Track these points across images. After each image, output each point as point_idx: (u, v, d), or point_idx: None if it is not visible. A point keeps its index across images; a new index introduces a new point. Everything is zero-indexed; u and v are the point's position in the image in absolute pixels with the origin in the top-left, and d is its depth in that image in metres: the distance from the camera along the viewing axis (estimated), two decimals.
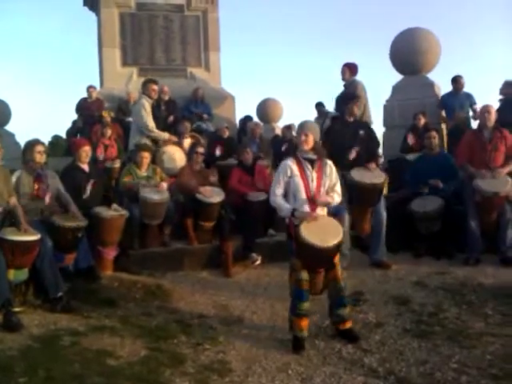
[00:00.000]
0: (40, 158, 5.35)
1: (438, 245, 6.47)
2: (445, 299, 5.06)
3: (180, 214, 6.42)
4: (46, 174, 5.44)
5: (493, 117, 6.35)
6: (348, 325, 4.34)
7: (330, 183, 4.33)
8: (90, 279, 5.32)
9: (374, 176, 5.64)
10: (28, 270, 4.75)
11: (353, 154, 5.92)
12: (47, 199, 5.33)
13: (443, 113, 9.41)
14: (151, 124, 7.18)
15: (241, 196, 6.59)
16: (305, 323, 4.19)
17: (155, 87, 7.38)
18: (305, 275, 4.12)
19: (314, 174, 4.26)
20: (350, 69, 8.08)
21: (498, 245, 6.17)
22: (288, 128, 9.70)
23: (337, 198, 4.37)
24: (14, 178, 5.20)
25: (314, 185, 4.24)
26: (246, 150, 6.97)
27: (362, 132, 6.08)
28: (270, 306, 5.11)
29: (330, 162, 4.38)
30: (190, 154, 7.04)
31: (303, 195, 4.22)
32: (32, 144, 5.42)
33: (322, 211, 4.30)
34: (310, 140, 4.27)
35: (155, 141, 7.33)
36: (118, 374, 3.66)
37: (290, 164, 4.28)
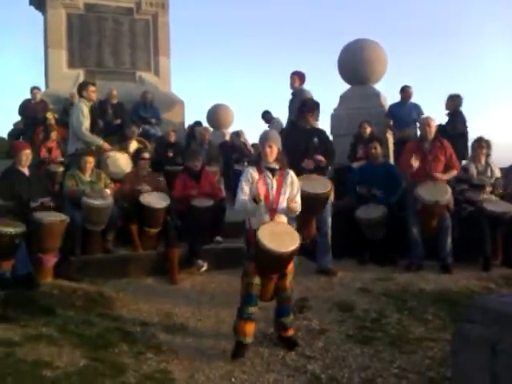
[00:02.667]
0: None
1: (381, 251, 6.61)
2: (387, 305, 5.16)
3: (124, 220, 6.30)
4: None
5: (433, 129, 6.56)
6: (290, 332, 4.38)
7: (292, 192, 4.34)
8: (28, 287, 5.10)
9: (319, 185, 5.60)
10: None
11: (310, 165, 5.90)
12: None
13: (391, 122, 9.64)
14: (85, 127, 6.90)
15: (186, 202, 6.51)
16: (250, 328, 4.18)
17: (94, 89, 7.17)
18: (257, 280, 4.13)
19: (274, 182, 4.29)
20: (299, 77, 8.18)
21: (438, 252, 6.35)
22: (237, 135, 9.72)
23: (297, 207, 4.36)
24: None
25: (273, 192, 4.26)
26: (197, 158, 6.87)
27: (316, 139, 6.09)
28: (215, 313, 5.06)
29: (291, 173, 4.42)
30: (136, 159, 6.91)
31: (263, 203, 4.20)
32: None
33: (279, 218, 4.31)
34: (274, 151, 4.29)
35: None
36: None
37: (251, 172, 4.29)
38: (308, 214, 5.75)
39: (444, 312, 4.93)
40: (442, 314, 4.88)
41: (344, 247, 6.61)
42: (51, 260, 5.44)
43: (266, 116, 10.41)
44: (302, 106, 6.35)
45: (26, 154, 5.78)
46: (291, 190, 4.35)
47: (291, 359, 4.10)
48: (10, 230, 4.89)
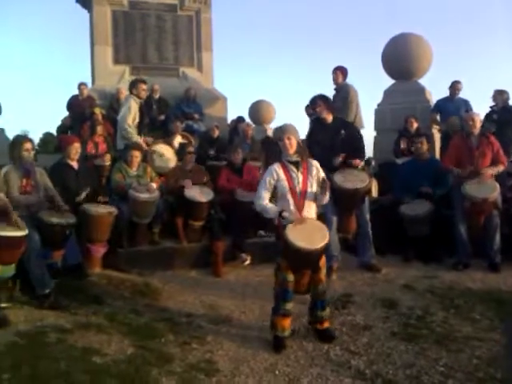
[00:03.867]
0: (27, 155, 5.30)
1: (426, 249, 6.51)
2: (433, 303, 5.09)
3: (169, 213, 6.40)
4: (34, 170, 5.40)
5: (477, 124, 6.39)
6: (326, 325, 4.38)
7: (317, 184, 4.31)
8: (78, 276, 5.27)
9: (357, 180, 5.55)
10: (15, 266, 4.69)
11: (337, 161, 5.86)
12: (35, 195, 5.28)
13: (438, 117, 9.47)
14: (128, 124, 7.05)
15: (230, 196, 6.58)
16: (287, 323, 4.22)
17: (144, 87, 7.33)
18: (290, 276, 4.15)
19: (300, 176, 4.27)
20: (342, 72, 8.10)
21: (485, 250, 6.20)
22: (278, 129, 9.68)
23: (327, 196, 4.32)
24: (2, 174, 5.16)
25: (300, 187, 4.24)
26: (236, 151, 6.95)
27: (343, 132, 6.00)
28: (259, 306, 5.09)
29: (315, 163, 4.38)
30: (181, 153, 7.01)
31: (290, 198, 4.22)
32: (20, 141, 5.37)
33: (308, 213, 4.30)
34: (294, 143, 4.26)
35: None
36: (104, 371, 3.63)
37: (276, 168, 4.28)
38: (347, 208, 5.76)
39: (492, 312, 4.82)
40: (489, 314, 4.77)
41: (387, 244, 6.55)
42: (100, 251, 5.58)
43: (309, 110, 10.32)
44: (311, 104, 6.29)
45: (75, 148, 5.94)
46: (317, 180, 4.32)
47: (335, 354, 4.09)
48: (61, 221, 5.04)
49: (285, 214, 4.15)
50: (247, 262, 6.28)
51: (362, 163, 6.15)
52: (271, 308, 4.33)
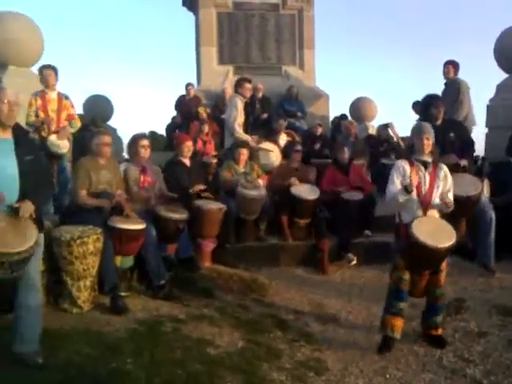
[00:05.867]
0: (144, 152, 5.59)
1: None
2: None
3: (275, 210, 6.47)
4: (150, 167, 5.69)
5: None
6: (439, 331, 4.27)
7: (444, 188, 4.21)
8: (190, 269, 5.49)
9: (469, 186, 5.28)
10: (133, 258, 4.97)
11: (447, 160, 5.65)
12: (151, 191, 5.56)
13: None
14: (237, 124, 7.27)
15: (336, 194, 6.53)
16: (399, 323, 4.14)
17: (248, 86, 7.50)
18: (407, 275, 4.09)
19: (427, 176, 4.19)
20: (453, 66, 7.79)
21: None
22: (385, 127, 9.48)
23: (451, 203, 4.21)
24: (121, 171, 5.47)
25: (426, 186, 4.16)
26: (342, 149, 6.89)
27: (452, 134, 5.78)
28: (365, 307, 5.04)
29: (445, 167, 4.29)
30: (288, 151, 7.07)
31: (415, 197, 4.13)
32: (137, 138, 5.67)
33: (433, 213, 4.21)
34: (430, 144, 4.20)
35: None
36: (218, 363, 3.76)
37: (403, 165, 4.22)
38: (458, 216, 5.50)
39: None
40: None
41: (503, 247, 6.18)
42: (209, 245, 5.77)
43: (417, 107, 10.02)
44: (426, 105, 6.03)
45: (188, 146, 6.17)
46: (444, 184, 4.21)
47: (448, 361, 3.96)
48: (175, 215, 5.27)
49: (410, 187, 4.02)
50: (353, 262, 6.22)
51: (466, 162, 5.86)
52: (383, 307, 4.26)
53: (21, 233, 3.27)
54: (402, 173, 4.18)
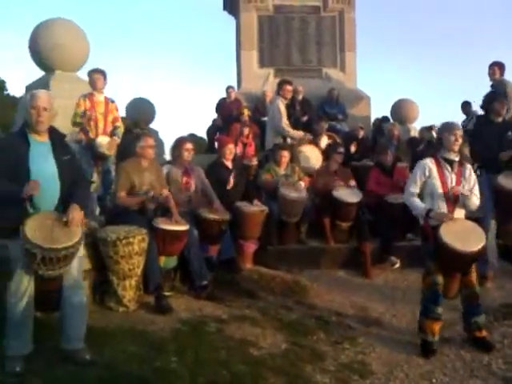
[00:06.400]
0: (188, 155, 5.66)
1: None
2: None
3: (317, 213, 6.44)
4: (193, 169, 5.75)
5: None
6: (484, 333, 4.19)
7: (468, 187, 4.18)
8: (231, 270, 5.52)
9: None
10: (176, 258, 5.04)
11: (505, 157, 5.55)
12: (194, 193, 5.63)
13: None
14: (286, 124, 7.32)
15: (379, 197, 6.45)
16: (437, 327, 4.11)
17: (289, 87, 7.52)
18: (440, 278, 4.06)
19: (453, 176, 4.15)
20: (499, 68, 7.61)
21: None
22: (429, 129, 9.31)
23: (476, 200, 4.20)
24: (164, 172, 5.55)
25: (452, 186, 4.12)
26: (386, 152, 6.81)
27: (510, 133, 5.70)
28: (409, 310, 4.95)
29: (469, 166, 4.28)
30: (329, 153, 7.03)
31: (441, 196, 4.11)
32: (181, 142, 5.76)
33: (458, 215, 4.16)
34: (460, 141, 4.16)
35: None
36: (261, 364, 3.77)
37: (429, 164, 4.19)
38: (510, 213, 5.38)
39: None
40: None
41: None
42: (251, 247, 5.79)
43: (466, 107, 9.83)
44: (490, 98, 5.95)
45: (230, 149, 6.22)
46: (469, 184, 4.18)
47: (498, 367, 3.86)
48: (218, 217, 5.31)
49: (432, 213, 4.05)
50: (396, 265, 6.14)
51: None
52: (419, 311, 4.22)
53: (66, 230, 3.40)
54: (426, 173, 4.16)
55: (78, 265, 3.64)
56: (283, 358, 3.90)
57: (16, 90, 30.10)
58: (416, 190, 4.21)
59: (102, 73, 6.38)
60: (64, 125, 7.30)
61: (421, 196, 4.26)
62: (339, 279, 5.96)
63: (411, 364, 3.93)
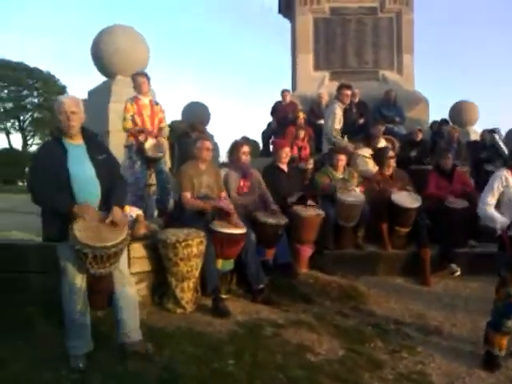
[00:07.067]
0: (245, 158, 5.71)
1: None
2: None
3: (374, 218, 6.33)
4: (250, 172, 5.79)
5: None
6: None
7: None
8: (287, 274, 5.51)
9: None
10: (233, 261, 5.08)
11: None
12: (251, 196, 5.66)
13: None
14: (335, 130, 7.22)
15: (438, 202, 6.28)
16: (505, 341, 3.97)
17: (348, 92, 7.42)
18: None
19: None
20: None
21: None
22: (491, 132, 9.01)
23: None
24: (222, 175, 5.61)
25: None
26: (446, 155, 6.63)
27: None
28: (470, 320, 4.82)
29: None
30: (380, 158, 6.89)
31: None
32: (238, 144, 5.81)
33: None
34: None
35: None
36: (318, 370, 3.74)
37: (505, 174, 4.08)
38: None
39: None
40: None
41: None
42: (307, 251, 5.76)
43: None
44: None
45: (286, 152, 6.23)
46: None
47: None
48: (275, 221, 5.32)
49: None
50: (457, 273, 5.96)
51: None
52: (486, 322, 4.07)
53: (111, 228, 3.52)
54: (503, 183, 4.05)
55: (124, 260, 3.75)
56: (340, 365, 3.85)
57: (76, 94, 31.17)
58: (493, 200, 4.10)
59: (146, 76, 6.48)
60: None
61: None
62: (397, 286, 5.84)
63: (473, 377, 3.80)
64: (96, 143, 3.81)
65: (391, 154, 6.91)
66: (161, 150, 6.23)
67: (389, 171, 6.79)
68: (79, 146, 3.67)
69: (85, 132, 3.73)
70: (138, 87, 6.39)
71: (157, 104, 6.53)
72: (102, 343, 3.78)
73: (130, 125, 6.20)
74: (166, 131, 6.53)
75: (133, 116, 6.22)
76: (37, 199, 3.54)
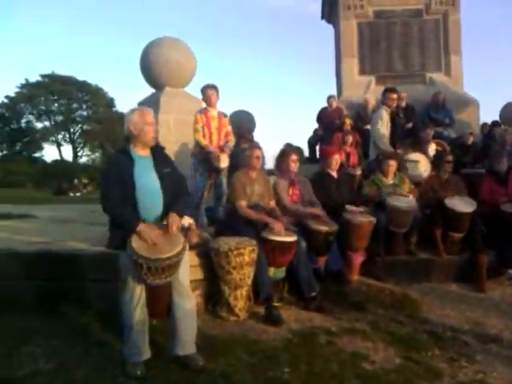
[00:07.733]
0: (294, 166, 5.72)
1: None
2: None
3: (427, 223, 6.20)
4: (299, 179, 5.80)
5: None
6: None
7: None
8: (339, 282, 5.47)
9: None
10: (285, 269, 5.08)
11: None
12: (300, 203, 5.66)
13: None
14: (381, 134, 7.14)
15: (493, 207, 6.12)
16: None
17: (394, 96, 7.33)
18: None
19: None
20: None
21: None
22: None
23: None
24: (271, 183, 5.63)
25: None
26: (500, 158, 6.46)
27: None
28: None
29: None
30: (438, 162, 6.77)
31: None
32: (287, 152, 5.83)
33: None
34: None
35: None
36: (374, 379, 3.70)
37: None
38: None
39: None
40: None
41: None
42: (359, 258, 5.69)
43: None
44: None
45: (336, 159, 6.20)
46: None
47: None
48: (326, 228, 5.30)
49: None
50: None
51: None
52: None
53: (169, 240, 3.57)
54: None
55: (184, 272, 3.74)
56: (397, 374, 3.79)
57: (123, 106, 32.04)
58: None
59: (215, 88, 6.56)
60: (175, 139, 7.69)
61: None
62: (452, 293, 5.71)
63: None
64: (162, 156, 3.87)
65: (450, 158, 6.81)
66: (224, 161, 6.34)
67: (445, 175, 6.67)
68: (146, 157, 3.75)
69: (154, 145, 3.81)
70: (206, 99, 6.51)
71: (225, 116, 6.64)
72: (162, 351, 3.84)
73: (201, 136, 6.32)
74: (232, 144, 6.63)
75: (202, 127, 6.34)
76: (107, 209, 3.63)
